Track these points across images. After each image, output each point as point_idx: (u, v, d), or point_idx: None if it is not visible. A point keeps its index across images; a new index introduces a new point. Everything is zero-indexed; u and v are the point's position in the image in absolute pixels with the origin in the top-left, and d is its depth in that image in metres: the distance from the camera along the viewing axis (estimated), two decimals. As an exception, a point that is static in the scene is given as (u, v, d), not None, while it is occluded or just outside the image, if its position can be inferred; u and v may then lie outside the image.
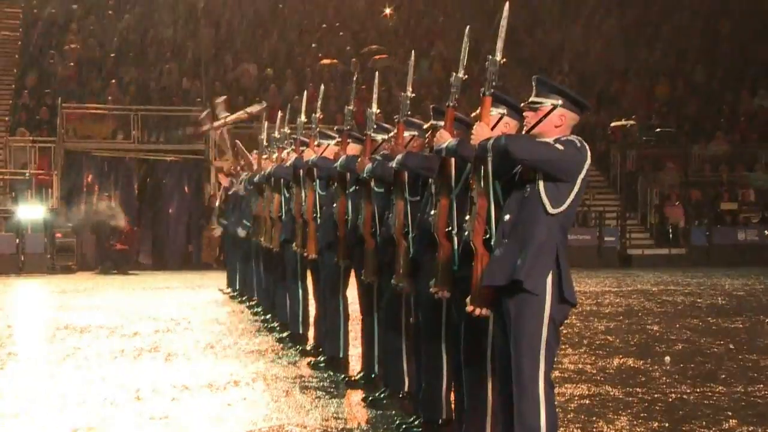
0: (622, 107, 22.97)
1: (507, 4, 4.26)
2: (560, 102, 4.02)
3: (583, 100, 4.10)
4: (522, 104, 4.18)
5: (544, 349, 3.90)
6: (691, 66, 25.10)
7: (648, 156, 21.86)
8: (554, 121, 4.01)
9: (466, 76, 4.63)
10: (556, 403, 4.08)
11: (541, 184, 3.91)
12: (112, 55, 22.15)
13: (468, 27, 4.68)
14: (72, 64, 21.42)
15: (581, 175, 3.91)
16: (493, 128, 4.40)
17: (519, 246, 3.92)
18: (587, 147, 3.96)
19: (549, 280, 3.90)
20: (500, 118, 4.43)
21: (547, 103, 4.02)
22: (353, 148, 7.08)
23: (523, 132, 4.15)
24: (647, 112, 23.08)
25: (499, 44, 4.22)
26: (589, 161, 3.94)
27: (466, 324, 4.51)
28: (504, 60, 4.25)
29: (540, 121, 4.02)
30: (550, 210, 3.90)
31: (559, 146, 3.89)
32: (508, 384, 4.01)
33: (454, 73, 4.63)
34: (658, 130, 21.47)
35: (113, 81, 20.97)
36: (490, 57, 4.25)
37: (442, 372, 5.07)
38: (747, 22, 26.45)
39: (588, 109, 4.18)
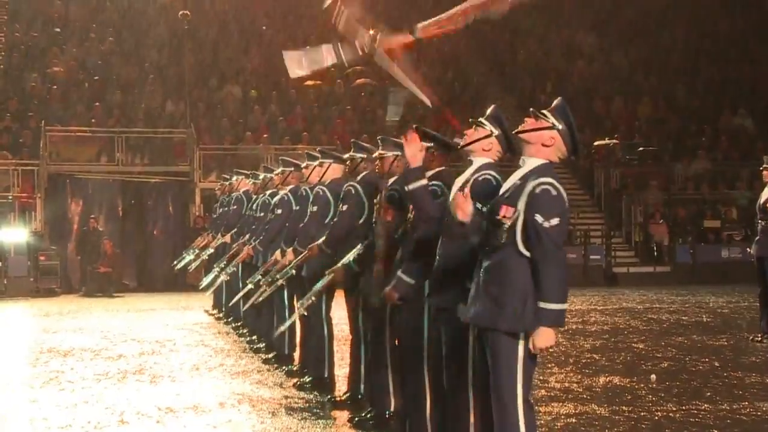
0: (605, 126, 23.12)
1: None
2: (561, 127, 4.07)
3: (579, 146, 4.16)
4: (531, 108, 4.22)
5: (522, 368, 3.91)
6: (672, 86, 25.33)
7: (631, 174, 21.99)
8: (546, 139, 4.05)
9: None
10: (542, 421, 4.10)
11: (519, 238, 3.92)
12: (96, 78, 22.13)
13: None
14: (55, 87, 21.38)
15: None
16: (473, 142, 4.45)
17: (498, 288, 3.94)
18: (560, 187, 3.96)
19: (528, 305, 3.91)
20: (488, 135, 4.48)
21: (551, 120, 4.07)
22: (335, 169, 7.12)
23: (515, 130, 4.18)
24: (630, 131, 23.25)
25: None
26: (566, 203, 3.96)
27: (447, 349, 4.53)
28: None
29: (536, 129, 4.06)
30: (525, 252, 3.92)
31: (554, 221, 3.86)
32: (489, 404, 4.02)
33: None
34: (641, 148, 21.62)
35: (97, 104, 20.94)
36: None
37: (425, 394, 5.08)
38: (727, 42, 26.76)
39: (577, 156, 4.24)
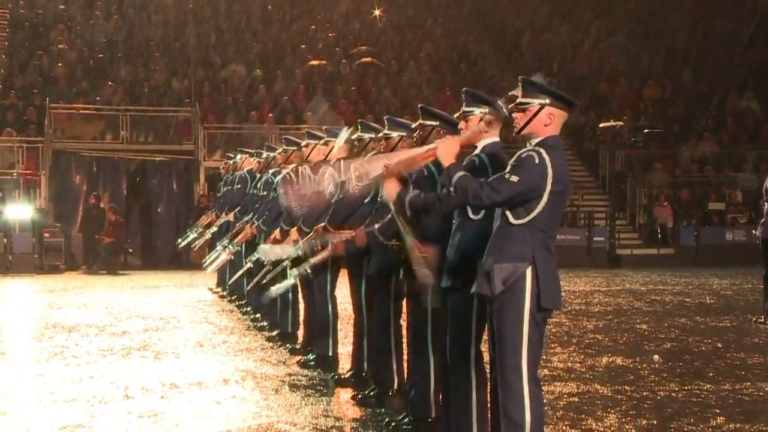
0: (611, 108, 23.07)
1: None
2: (548, 101, 4.02)
3: (570, 97, 4.10)
4: (510, 105, 4.18)
5: (527, 346, 3.92)
6: (679, 68, 25.23)
7: (637, 156, 21.96)
8: (543, 120, 4.02)
9: None
10: (545, 400, 4.09)
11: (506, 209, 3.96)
12: (101, 55, 22.10)
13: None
14: (60, 64, 21.37)
15: (547, 189, 3.89)
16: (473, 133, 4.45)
17: (494, 257, 3.95)
18: (546, 157, 3.90)
19: (528, 278, 3.91)
20: (481, 118, 4.47)
21: (535, 102, 4.02)
22: (341, 149, 7.11)
23: (514, 133, 4.14)
24: (636, 113, 23.19)
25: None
26: (551, 172, 3.89)
27: (450, 328, 4.54)
28: None
29: (529, 121, 4.02)
30: (513, 221, 3.92)
31: (514, 178, 3.87)
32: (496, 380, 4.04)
33: None
34: (646, 131, 21.57)
35: (110, 83, 20.94)
36: None
37: (429, 372, 5.11)
38: (735, 25, 26.61)
39: (575, 105, 4.17)
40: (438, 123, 5.10)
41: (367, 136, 6.30)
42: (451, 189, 4.03)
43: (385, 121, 5.78)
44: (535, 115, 4.01)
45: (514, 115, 4.10)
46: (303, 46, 23.81)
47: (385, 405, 5.79)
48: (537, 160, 3.89)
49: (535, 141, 4.01)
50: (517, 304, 3.91)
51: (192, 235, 12.46)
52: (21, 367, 7.34)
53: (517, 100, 4.07)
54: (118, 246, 17.81)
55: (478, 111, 4.47)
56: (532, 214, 3.90)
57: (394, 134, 5.67)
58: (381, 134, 5.90)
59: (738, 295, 13.08)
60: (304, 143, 7.71)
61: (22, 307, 12.33)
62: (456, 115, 4.72)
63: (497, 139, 4.54)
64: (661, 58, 25.43)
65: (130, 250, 18.57)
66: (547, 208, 3.90)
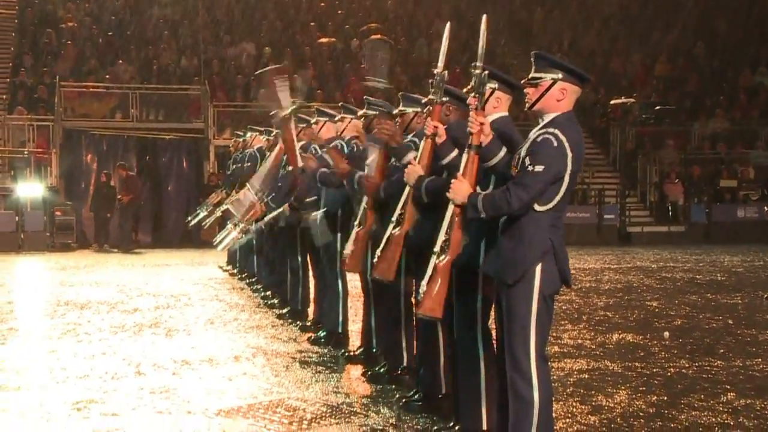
0: (622, 85, 22.93)
1: (485, 17, 4.25)
2: (560, 76, 3.96)
3: (583, 72, 4.04)
4: (522, 81, 4.14)
5: (535, 324, 3.91)
6: (691, 43, 25.03)
7: (648, 134, 21.86)
8: (555, 95, 3.96)
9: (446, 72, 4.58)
10: (555, 377, 4.10)
11: None
12: (110, 33, 22.07)
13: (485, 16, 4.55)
14: (69, 42, 21.35)
15: (567, 171, 3.85)
16: (484, 104, 4.40)
17: (510, 243, 3.92)
18: (564, 138, 3.83)
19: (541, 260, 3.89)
20: (491, 93, 4.43)
21: (547, 77, 3.96)
22: (357, 125, 7.09)
23: (525, 108, 4.10)
24: (647, 90, 23.04)
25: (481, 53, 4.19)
26: (570, 153, 3.83)
27: (456, 305, 4.54)
28: (486, 72, 4.20)
29: (542, 96, 3.97)
30: (538, 208, 3.88)
31: (539, 167, 3.80)
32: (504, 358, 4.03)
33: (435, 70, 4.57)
34: (657, 107, 21.45)
35: (120, 61, 20.91)
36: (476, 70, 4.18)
37: (439, 349, 5.11)
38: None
39: (588, 80, 4.11)
40: (448, 99, 5.08)
41: (372, 113, 6.28)
42: (483, 215, 3.94)
43: (400, 98, 5.76)
44: (547, 90, 3.95)
45: (526, 90, 4.04)
46: (312, 24, 23.72)
47: (396, 382, 5.80)
48: (555, 143, 3.81)
49: (547, 118, 3.97)
50: (527, 284, 3.90)
51: (202, 213, 12.50)
52: (34, 344, 7.39)
53: (530, 75, 4.02)
54: (137, 204, 17.87)
55: (488, 86, 4.44)
56: (556, 200, 3.86)
57: (409, 110, 5.65)
58: (395, 111, 5.88)
59: (749, 272, 13.05)
60: (313, 120, 7.71)
61: (34, 284, 12.40)
62: (466, 90, 4.68)
63: (506, 113, 4.50)
64: (673, 34, 25.22)
65: (141, 239, 18.64)
66: (566, 193, 3.88)
